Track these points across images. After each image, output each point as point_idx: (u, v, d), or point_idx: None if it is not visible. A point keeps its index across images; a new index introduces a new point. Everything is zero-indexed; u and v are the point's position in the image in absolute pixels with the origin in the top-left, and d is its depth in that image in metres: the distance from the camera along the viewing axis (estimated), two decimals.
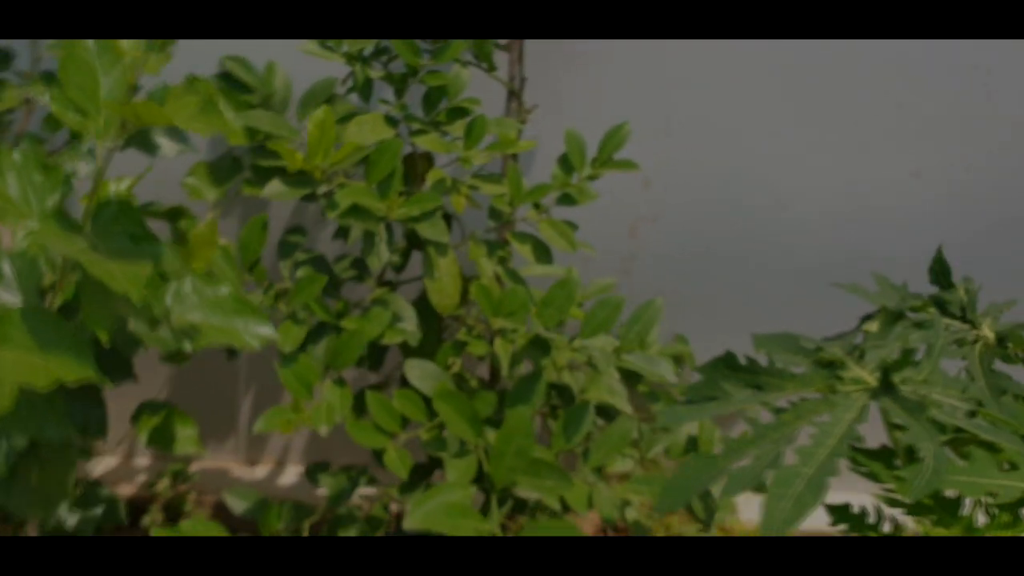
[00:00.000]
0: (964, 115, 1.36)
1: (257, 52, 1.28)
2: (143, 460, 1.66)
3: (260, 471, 1.67)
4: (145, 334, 0.81)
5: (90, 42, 0.76)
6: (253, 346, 0.83)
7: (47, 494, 0.99)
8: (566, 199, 1.17)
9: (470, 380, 1.21)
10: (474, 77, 1.25)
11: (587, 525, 1.65)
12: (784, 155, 1.40)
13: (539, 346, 1.12)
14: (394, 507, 1.32)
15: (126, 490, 1.62)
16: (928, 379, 0.83)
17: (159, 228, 1.31)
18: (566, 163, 1.17)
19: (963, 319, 0.94)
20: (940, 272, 0.95)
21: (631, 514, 1.28)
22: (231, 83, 1.29)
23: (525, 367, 1.17)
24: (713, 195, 1.42)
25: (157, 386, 1.57)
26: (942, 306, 0.94)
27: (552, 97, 1.31)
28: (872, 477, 0.81)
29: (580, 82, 1.33)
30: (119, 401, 1.34)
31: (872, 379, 0.83)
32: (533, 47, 1.27)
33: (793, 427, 0.82)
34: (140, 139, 1.16)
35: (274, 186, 1.03)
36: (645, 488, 1.20)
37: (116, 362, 0.91)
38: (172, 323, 0.81)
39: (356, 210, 1.02)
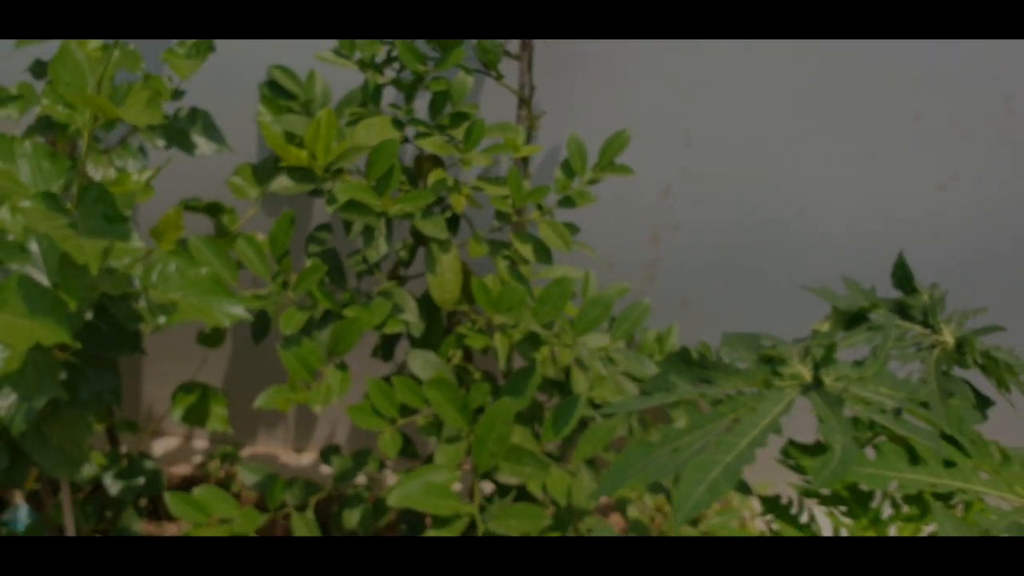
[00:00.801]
0: (986, 126, 1.34)
1: (304, 61, 1.38)
2: (201, 443, 1.78)
3: (306, 458, 1.77)
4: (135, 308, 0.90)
5: (74, 43, 0.86)
6: (224, 323, 0.91)
7: (69, 454, 1.10)
8: (566, 202, 1.22)
9: (473, 372, 1.27)
10: (489, 85, 1.32)
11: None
12: (805, 166, 1.41)
13: (532, 342, 1.17)
14: None
15: (183, 469, 1.74)
16: (870, 378, 0.85)
17: (200, 221, 1.43)
18: (568, 167, 1.22)
19: (925, 324, 0.94)
20: (902, 277, 0.96)
21: (632, 512, 1.32)
22: (276, 90, 1.39)
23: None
24: (734, 204, 1.44)
25: (214, 374, 1.68)
26: (905, 311, 0.95)
27: (572, 108, 1.37)
28: (799, 470, 0.83)
29: (599, 93, 1.37)
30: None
31: (808, 375, 0.85)
32: (552, 58, 1.33)
33: (727, 419, 0.85)
34: (180, 139, 1.27)
35: (281, 181, 1.12)
36: (640, 486, 1.23)
37: (121, 335, 1.01)
38: (153, 298, 0.90)
39: (354, 205, 1.10)
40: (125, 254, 0.84)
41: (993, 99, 1.33)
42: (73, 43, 0.85)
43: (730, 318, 1.52)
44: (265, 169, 1.42)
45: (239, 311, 0.93)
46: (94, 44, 0.86)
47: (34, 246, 1.00)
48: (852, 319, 0.95)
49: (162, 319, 0.91)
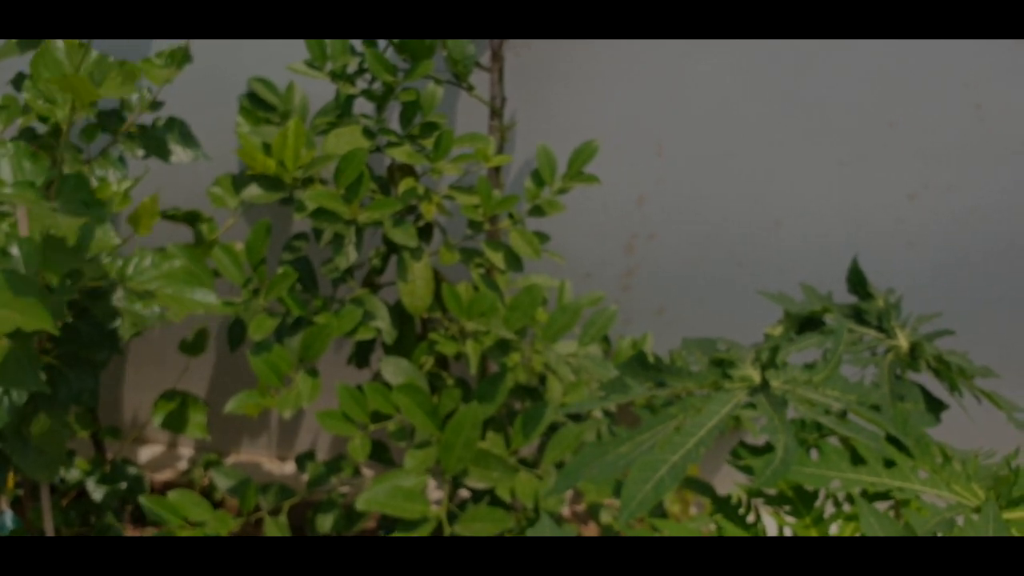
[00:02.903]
0: (956, 135, 1.36)
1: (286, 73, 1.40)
2: (186, 450, 1.80)
3: (289, 466, 1.79)
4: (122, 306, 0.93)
5: (60, 42, 0.89)
6: (197, 311, 0.94)
7: (48, 455, 1.12)
8: (536, 211, 1.24)
9: (447, 379, 1.29)
10: (465, 96, 1.34)
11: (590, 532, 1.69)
12: (779, 176, 1.42)
13: (502, 347, 1.19)
14: None
15: (167, 475, 1.76)
16: (820, 381, 0.86)
17: (181, 231, 1.45)
18: (537, 177, 1.24)
19: (879, 328, 0.96)
20: (857, 283, 0.97)
21: (604, 517, 1.33)
22: (255, 102, 1.41)
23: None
24: (708, 214, 1.46)
25: (197, 383, 1.70)
26: (860, 315, 0.96)
27: (546, 119, 1.39)
28: (748, 470, 0.84)
29: (572, 104, 1.40)
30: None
31: (758, 377, 0.86)
32: (526, 70, 1.35)
33: (677, 420, 0.87)
34: (157, 147, 1.29)
35: (251, 190, 1.14)
36: (609, 490, 1.24)
37: (100, 335, 1.03)
38: (130, 288, 0.93)
39: (324, 213, 1.12)
40: (104, 246, 0.87)
41: (963, 108, 1.34)
42: (54, 41, 0.87)
43: (705, 326, 1.53)
44: (244, 180, 1.45)
45: (212, 299, 0.95)
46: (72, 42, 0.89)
47: (15, 250, 1.03)
48: (807, 323, 0.97)
49: (139, 305, 0.94)
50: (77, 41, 0.89)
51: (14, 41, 1.30)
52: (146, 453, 1.78)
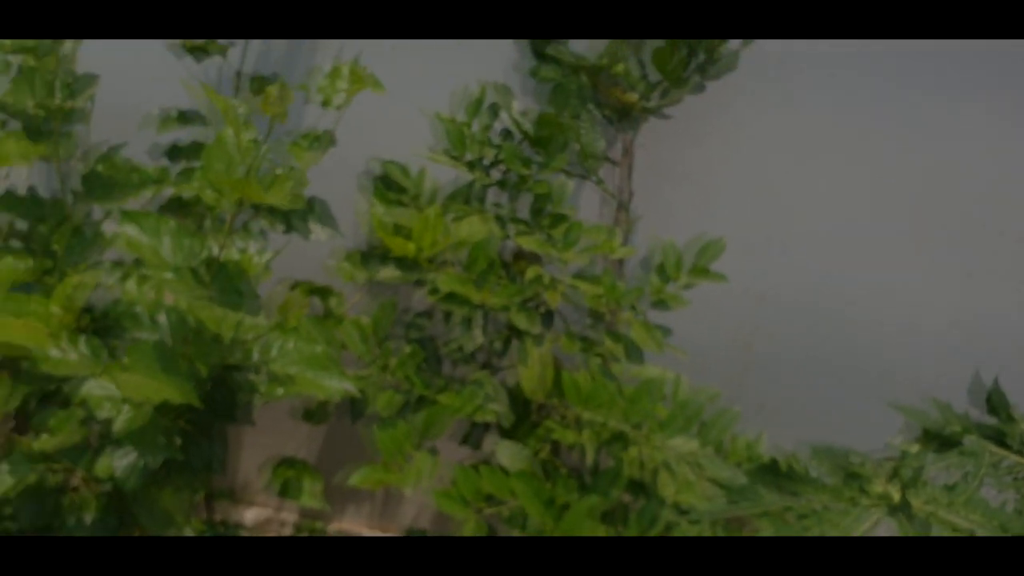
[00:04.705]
0: None
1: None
2: (290, 515, 1.83)
3: None
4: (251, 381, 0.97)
5: (232, 134, 0.94)
6: (335, 397, 0.97)
7: (172, 515, 1.16)
8: (660, 304, 1.25)
9: (559, 467, 1.29)
10: (592, 191, 1.37)
11: None
12: (900, 283, 1.41)
13: (621, 441, 1.19)
14: None
15: None
16: (961, 504, 0.84)
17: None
18: (663, 271, 1.25)
19: (1022, 453, 0.93)
20: (998, 404, 0.95)
21: None
22: (387, 184, 1.47)
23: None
24: (829, 315, 1.45)
25: (312, 452, 1.74)
26: (1000, 438, 0.94)
27: (666, 214, 1.41)
28: None
29: (691, 199, 1.41)
30: None
31: (896, 495, 0.85)
32: (649, 164, 1.37)
33: (813, 533, 0.86)
34: (297, 225, 1.35)
35: (388, 271, 1.18)
36: None
37: (234, 407, 1.07)
38: (272, 371, 0.97)
39: (454, 296, 1.15)
40: (251, 329, 0.91)
41: None
42: (229, 133, 0.93)
43: (814, 427, 1.50)
44: (373, 256, 1.49)
45: (348, 387, 0.99)
46: (247, 136, 0.94)
47: (163, 318, 1.08)
48: (942, 442, 0.95)
49: (280, 391, 0.98)
50: (250, 138, 0.94)
51: (174, 115, 1.39)
52: (251, 515, 1.82)
